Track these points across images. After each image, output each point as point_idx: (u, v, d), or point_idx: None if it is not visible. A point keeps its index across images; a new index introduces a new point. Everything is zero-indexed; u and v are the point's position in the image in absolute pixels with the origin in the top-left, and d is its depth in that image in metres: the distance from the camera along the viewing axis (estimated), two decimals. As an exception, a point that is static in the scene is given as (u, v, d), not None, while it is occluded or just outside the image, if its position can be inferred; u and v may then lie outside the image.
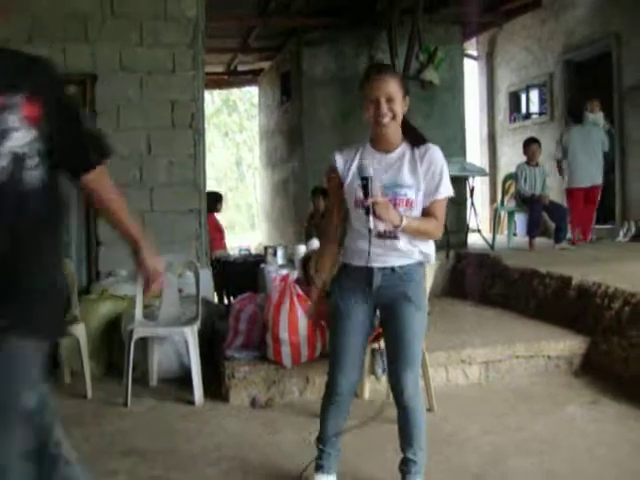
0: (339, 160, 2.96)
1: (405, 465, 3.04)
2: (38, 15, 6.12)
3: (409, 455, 3.02)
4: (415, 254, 2.91)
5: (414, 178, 2.85)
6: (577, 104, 9.00)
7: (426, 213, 2.89)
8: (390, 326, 2.97)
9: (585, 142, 8.30)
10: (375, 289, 2.91)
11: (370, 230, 2.71)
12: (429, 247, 2.96)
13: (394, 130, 2.88)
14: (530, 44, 10.78)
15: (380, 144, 2.92)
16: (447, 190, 2.90)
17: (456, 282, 7.54)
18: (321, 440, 3.12)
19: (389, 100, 2.79)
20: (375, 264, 2.88)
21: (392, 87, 2.81)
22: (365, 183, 2.68)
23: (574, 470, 3.36)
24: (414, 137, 2.95)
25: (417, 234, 2.85)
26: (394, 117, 2.82)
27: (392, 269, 2.90)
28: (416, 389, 2.96)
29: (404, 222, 2.74)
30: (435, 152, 2.90)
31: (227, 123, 23.65)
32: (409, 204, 2.82)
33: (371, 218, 2.68)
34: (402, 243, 2.86)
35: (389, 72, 2.89)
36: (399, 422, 3.04)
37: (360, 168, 2.73)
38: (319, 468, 3.13)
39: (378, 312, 3.04)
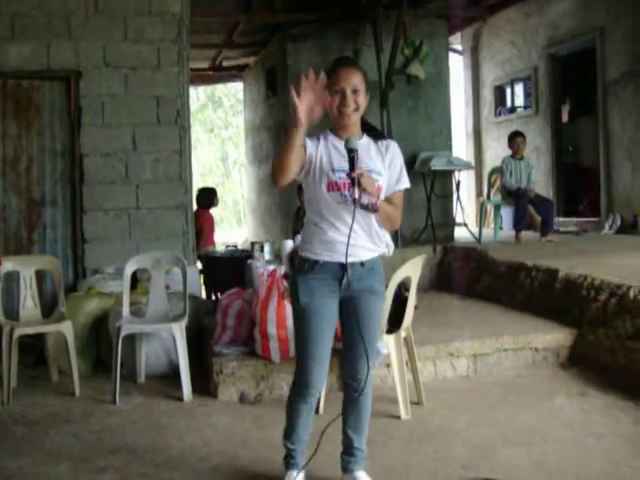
0: (307, 140, 2.88)
1: (353, 456, 3.05)
2: (21, 12, 6.08)
3: (358, 445, 3.04)
4: (381, 246, 2.98)
5: (382, 167, 2.93)
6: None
7: (388, 202, 2.94)
8: (354, 316, 2.94)
9: None
10: (345, 284, 2.91)
11: (355, 200, 2.72)
12: (390, 238, 3.04)
13: (356, 121, 2.94)
14: (515, 38, 10.79)
15: (343, 134, 2.91)
16: (406, 182, 3.02)
17: (443, 276, 7.56)
18: (290, 439, 3.07)
19: (354, 92, 2.85)
20: (347, 259, 2.89)
21: (358, 79, 2.87)
22: (352, 155, 2.72)
23: (562, 461, 3.38)
24: (373, 131, 3.04)
25: (386, 216, 2.90)
26: (357, 109, 2.88)
27: (361, 263, 2.93)
28: (370, 376, 2.99)
29: (379, 200, 2.83)
30: (396, 146, 3.03)
31: (212, 119, 23.52)
32: (379, 190, 2.87)
33: (356, 189, 2.72)
34: (377, 232, 2.93)
35: (356, 65, 2.95)
36: (353, 410, 3.04)
37: (346, 141, 2.77)
38: (293, 466, 3.08)
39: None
